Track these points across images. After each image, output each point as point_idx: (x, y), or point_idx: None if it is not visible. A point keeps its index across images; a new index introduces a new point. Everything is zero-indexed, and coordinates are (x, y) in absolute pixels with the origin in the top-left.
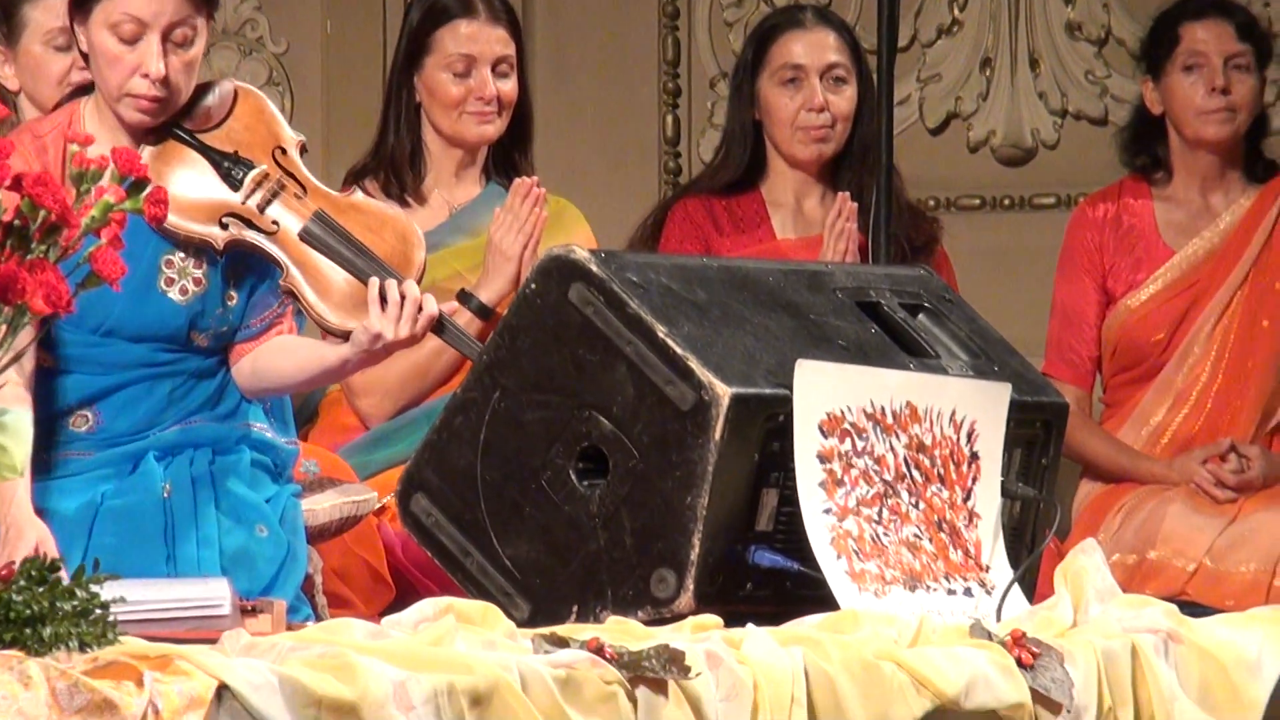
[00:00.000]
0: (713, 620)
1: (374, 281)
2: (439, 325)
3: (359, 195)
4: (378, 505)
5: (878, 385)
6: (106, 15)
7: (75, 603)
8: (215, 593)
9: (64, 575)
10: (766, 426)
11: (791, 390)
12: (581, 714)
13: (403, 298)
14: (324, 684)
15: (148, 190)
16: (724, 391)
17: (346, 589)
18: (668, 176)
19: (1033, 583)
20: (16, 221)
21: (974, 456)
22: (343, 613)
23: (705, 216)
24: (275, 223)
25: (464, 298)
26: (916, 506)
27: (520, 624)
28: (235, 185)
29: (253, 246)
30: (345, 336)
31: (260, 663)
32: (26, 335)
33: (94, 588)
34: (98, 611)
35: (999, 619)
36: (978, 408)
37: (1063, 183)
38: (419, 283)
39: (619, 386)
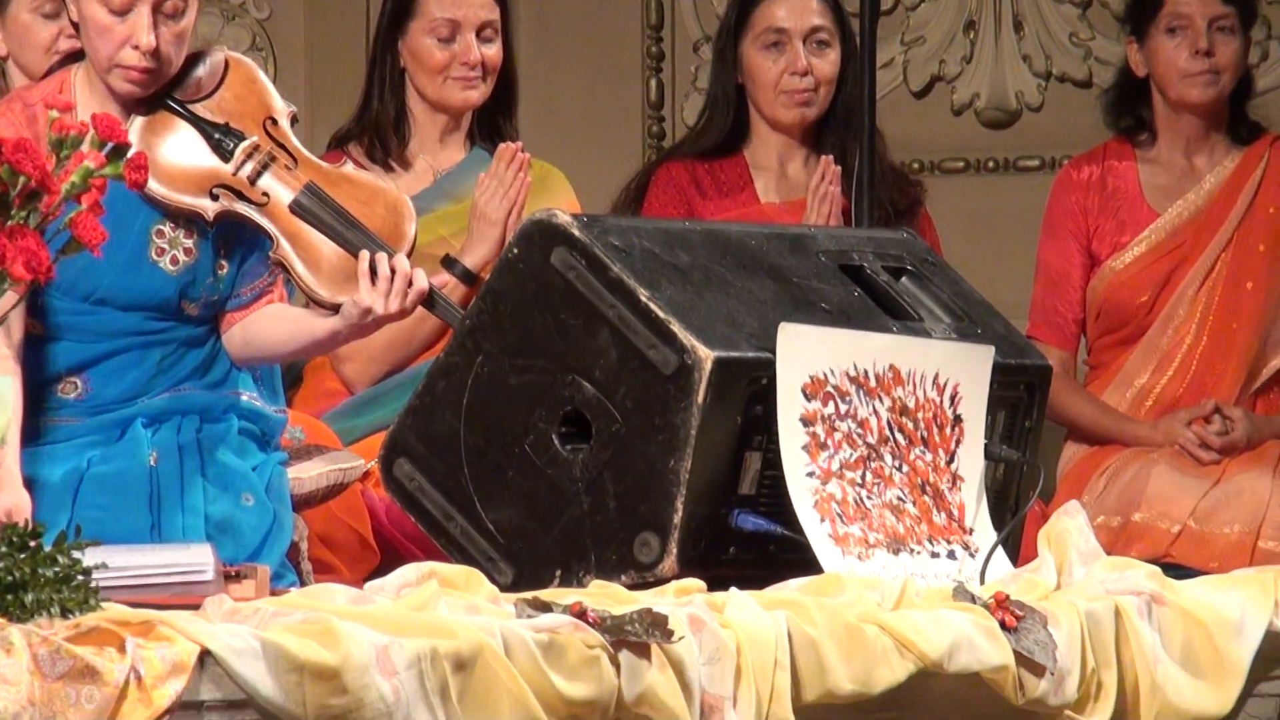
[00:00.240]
0: (696, 584)
1: (364, 255)
2: (429, 299)
3: (350, 167)
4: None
5: (861, 348)
6: None
7: (57, 569)
8: (198, 558)
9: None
10: (749, 390)
11: (774, 353)
12: (564, 678)
13: (393, 271)
14: (307, 649)
15: (128, 156)
16: (706, 355)
17: (331, 555)
18: (651, 140)
19: (1016, 545)
20: None
21: (957, 419)
22: (328, 578)
23: (688, 180)
24: (266, 194)
25: (448, 263)
26: (900, 469)
27: (503, 588)
28: (226, 156)
29: (243, 218)
30: (335, 309)
31: (242, 628)
32: (8, 300)
33: (76, 554)
34: (80, 578)
35: (982, 582)
36: (961, 370)
37: (1047, 145)
38: (409, 256)
39: (602, 350)
